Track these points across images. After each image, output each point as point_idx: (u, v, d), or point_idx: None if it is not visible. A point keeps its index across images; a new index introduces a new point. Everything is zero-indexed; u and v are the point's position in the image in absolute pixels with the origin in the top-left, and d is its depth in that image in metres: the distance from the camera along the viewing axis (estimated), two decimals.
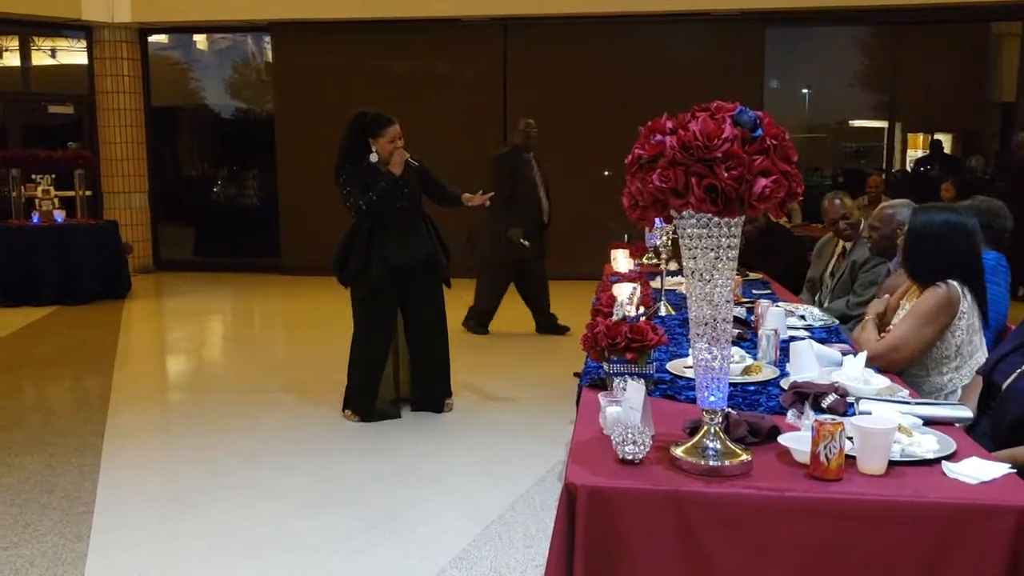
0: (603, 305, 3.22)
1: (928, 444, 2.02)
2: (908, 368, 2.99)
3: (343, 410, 5.07)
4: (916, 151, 12.12)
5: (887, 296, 3.36)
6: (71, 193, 9.60)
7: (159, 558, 3.36)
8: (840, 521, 1.80)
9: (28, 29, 11.01)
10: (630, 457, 1.96)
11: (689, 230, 1.90)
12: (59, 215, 9.25)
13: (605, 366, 2.54)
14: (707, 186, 1.77)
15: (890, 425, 1.94)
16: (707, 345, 1.94)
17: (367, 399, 5.02)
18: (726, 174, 1.76)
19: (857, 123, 12.60)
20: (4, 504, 3.87)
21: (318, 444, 4.72)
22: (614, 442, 1.98)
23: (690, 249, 1.92)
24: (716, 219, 1.85)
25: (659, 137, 1.84)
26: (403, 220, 4.89)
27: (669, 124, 1.85)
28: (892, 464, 1.93)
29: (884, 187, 9.77)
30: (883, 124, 11.37)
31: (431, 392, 5.16)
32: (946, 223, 3.05)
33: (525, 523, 3.65)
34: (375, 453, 4.55)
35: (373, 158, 4.84)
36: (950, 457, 1.98)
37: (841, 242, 4.91)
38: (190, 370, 6.96)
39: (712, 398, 1.96)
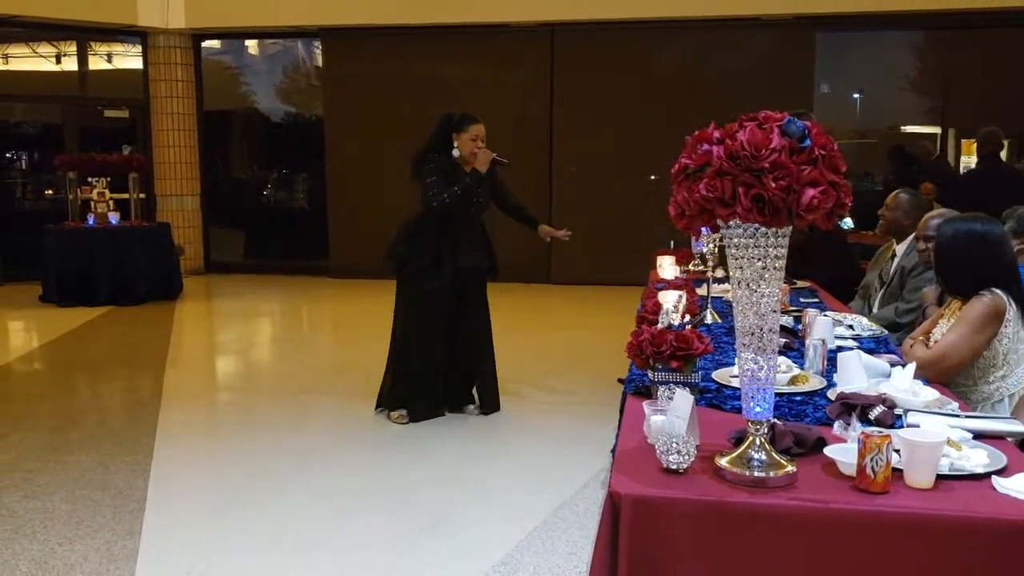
0: (648, 312, 3.21)
1: (978, 458, 1.99)
2: (955, 377, 2.96)
3: (389, 412, 5.11)
4: (971, 157, 11.89)
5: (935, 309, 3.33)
6: (125, 196, 9.80)
7: (208, 555, 3.42)
8: (886, 535, 1.78)
9: (85, 35, 11.27)
10: (674, 467, 1.96)
11: (736, 239, 1.89)
12: (113, 217, 9.45)
13: (650, 374, 2.54)
14: (754, 196, 1.77)
15: (938, 438, 1.92)
16: (753, 355, 1.94)
17: (423, 399, 5.05)
18: (773, 184, 1.75)
19: (909, 128, 12.40)
20: (59, 501, 3.97)
21: (365, 446, 4.77)
22: (658, 451, 1.98)
23: (737, 259, 1.92)
24: (763, 229, 1.85)
25: (706, 147, 1.84)
26: (473, 225, 4.98)
27: (716, 134, 1.85)
28: (940, 478, 1.90)
29: (937, 195, 9.59)
30: (936, 130, 11.18)
31: (483, 393, 5.21)
32: (970, 233, 3.02)
33: (568, 529, 3.65)
34: (420, 456, 4.58)
35: (455, 153, 4.88)
36: (1000, 472, 1.94)
37: (893, 247, 4.85)
38: (240, 371, 7.07)
39: (758, 409, 1.95)
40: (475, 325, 5.12)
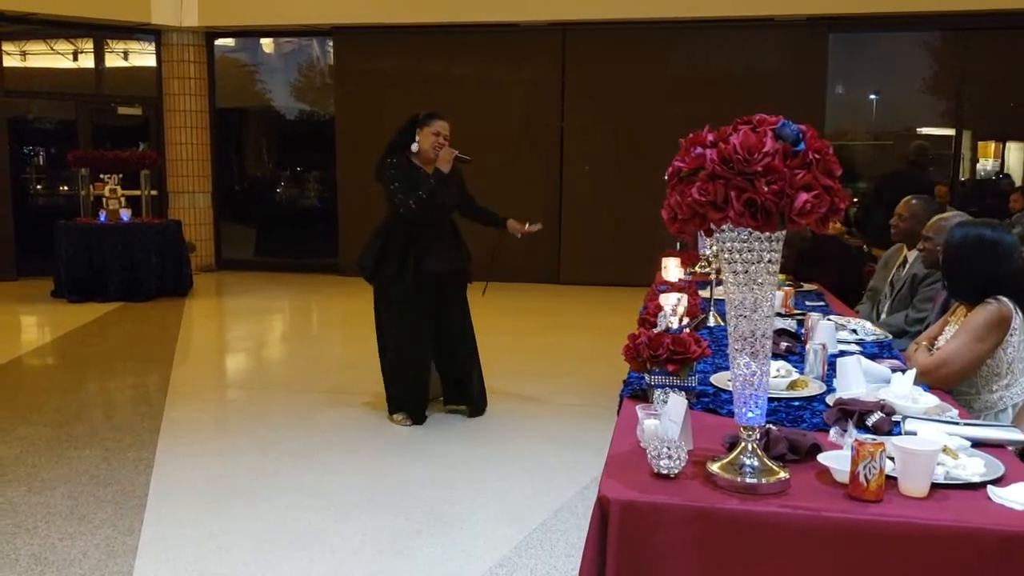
0: (650, 315, 3.20)
1: (974, 467, 1.96)
2: (958, 385, 2.93)
3: (390, 415, 5.09)
4: (987, 160, 11.81)
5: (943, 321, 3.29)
6: (137, 192, 9.85)
7: (207, 553, 3.42)
8: (878, 544, 1.75)
9: (100, 32, 11.32)
10: (665, 471, 1.94)
11: (729, 244, 1.87)
12: (125, 214, 9.49)
13: (647, 377, 2.53)
14: (746, 200, 1.75)
15: (933, 447, 1.89)
16: (747, 360, 1.92)
17: (418, 402, 5.05)
18: (766, 188, 1.73)
19: (924, 130, 12.31)
20: (62, 496, 3.98)
21: (367, 445, 4.76)
22: (649, 456, 1.97)
23: (730, 263, 1.90)
24: (756, 233, 1.83)
25: (699, 150, 1.82)
26: (439, 229, 4.88)
27: (710, 137, 1.83)
28: (935, 487, 1.87)
29: (951, 197, 9.53)
30: (950, 132, 11.10)
31: (464, 398, 5.18)
32: (980, 239, 2.99)
33: (567, 531, 3.64)
34: (422, 456, 4.58)
35: (414, 147, 4.80)
36: (997, 481, 1.92)
37: (904, 253, 4.81)
38: (247, 368, 7.09)
39: (750, 414, 1.93)
40: (456, 328, 5.07)
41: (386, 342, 5.06)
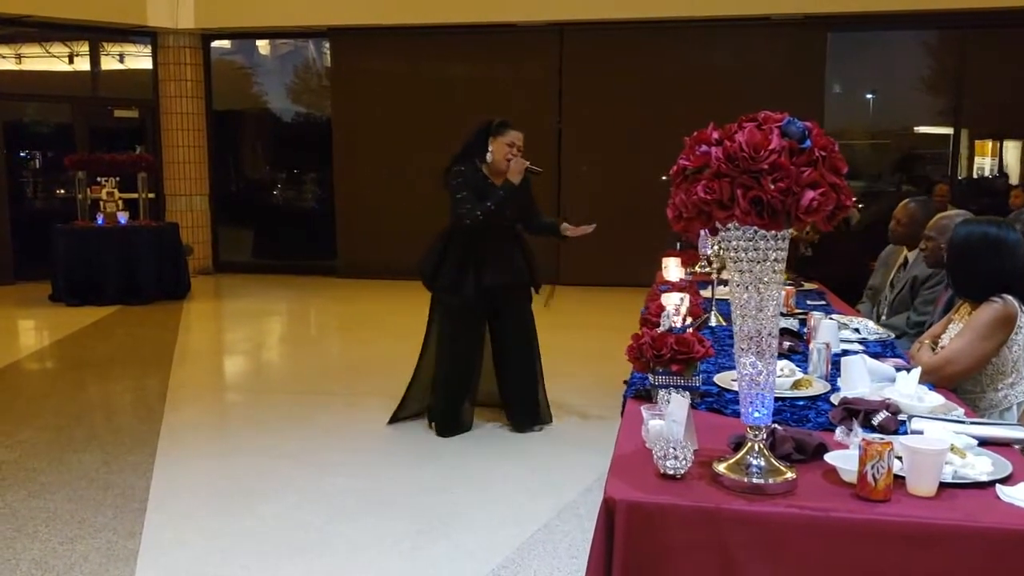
0: (651, 314, 3.19)
1: (982, 466, 1.95)
2: (963, 384, 2.92)
3: (429, 424, 4.96)
4: (984, 158, 11.80)
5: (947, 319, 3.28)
6: (134, 195, 9.82)
7: (208, 556, 3.41)
8: (886, 544, 1.74)
9: (96, 35, 11.30)
10: (671, 472, 1.93)
11: (734, 242, 1.86)
12: (122, 217, 9.47)
13: (651, 378, 2.51)
14: (752, 198, 1.73)
15: (941, 446, 1.88)
16: (752, 359, 1.90)
17: (450, 416, 4.87)
18: (772, 186, 1.72)
19: (923, 129, 12.31)
20: (62, 500, 3.96)
21: (369, 447, 4.75)
22: (655, 456, 1.95)
23: (736, 262, 1.88)
24: (762, 231, 1.81)
25: (704, 148, 1.81)
26: (500, 238, 4.72)
27: (715, 135, 1.82)
28: (943, 486, 1.86)
29: (951, 196, 9.52)
30: (948, 131, 11.10)
31: (523, 409, 4.99)
32: (984, 237, 2.98)
33: (571, 532, 3.63)
34: (425, 458, 4.56)
35: (488, 157, 4.66)
36: (1005, 480, 1.91)
37: (905, 253, 4.80)
38: (246, 371, 7.07)
39: (756, 414, 1.92)
40: (516, 340, 4.91)
41: (442, 354, 4.89)
